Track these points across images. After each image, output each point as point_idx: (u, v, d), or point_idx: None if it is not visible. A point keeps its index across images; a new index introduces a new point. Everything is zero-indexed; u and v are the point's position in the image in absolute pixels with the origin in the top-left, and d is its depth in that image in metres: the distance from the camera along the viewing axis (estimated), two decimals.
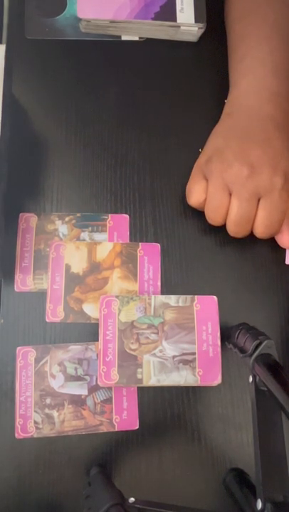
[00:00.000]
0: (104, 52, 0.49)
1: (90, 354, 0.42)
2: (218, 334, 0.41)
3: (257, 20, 0.44)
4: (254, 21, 0.44)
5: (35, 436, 0.40)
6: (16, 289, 0.43)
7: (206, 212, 0.42)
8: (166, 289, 0.44)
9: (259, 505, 0.29)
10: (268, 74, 0.43)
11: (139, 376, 0.40)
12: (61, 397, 0.41)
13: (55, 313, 0.43)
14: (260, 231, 0.41)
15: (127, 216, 0.46)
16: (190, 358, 0.41)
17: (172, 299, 0.42)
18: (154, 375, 0.40)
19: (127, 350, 0.40)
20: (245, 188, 0.39)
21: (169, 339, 0.41)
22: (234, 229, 0.41)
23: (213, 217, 0.42)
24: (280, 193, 0.39)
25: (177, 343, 0.41)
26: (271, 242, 0.45)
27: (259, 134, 0.41)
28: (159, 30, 0.49)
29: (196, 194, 0.43)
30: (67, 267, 0.44)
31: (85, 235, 0.45)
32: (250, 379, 0.36)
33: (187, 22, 0.48)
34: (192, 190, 0.43)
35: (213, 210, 0.41)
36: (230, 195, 0.40)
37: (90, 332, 0.42)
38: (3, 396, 0.41)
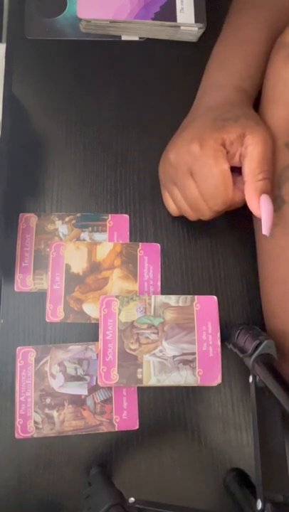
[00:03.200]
0: (104, 52, 0.49)
1: (90, 354, 0.42)
2: (218, 334, 0.41)
3: (229, 29, 0.45)
4: (226, 30, 0.45)
5: (35, 436, 0.40)
6: (16, 289, 0.43)
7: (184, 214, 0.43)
8: (166, 289, 0.44)
9: (259, 505, 0.29)
10: (215, 68, 0.43)
11: (139, 376, 0.40)
12: (61, 397, 0.41)
13: (55, 313, 0.43)
14: (212, 204, 0.39)
15: (127, 216, 0.46)
16: (190, 358, 0.40)
17: (172, 299, 0.42)
18: (154, 375, 0.40)
19: (127, 350, 0.40)
20: (176, 174, 0.39)
21: (169, 339, 0.41)
22: (194, 214, 0.41)
23: (187, 215, 0.42)
24: (203, 159, 0.37)
25: (177, 343, 0.41)
26: None
27: (185, 124, 0.41)
28: (159, 30, 0.49)
29: (169, 207, 0.44)
30: (67, 267, 0.44)
31: (85, 235, 0.45)
32: (250, 379, 0.36)
33: (187, 22, 0.48)
34: (166, 205, 0.44)
35: (182, 210, 0.42)
36: None
37: (90, 332, 0.42)
38: (3, 396, 0.41)
